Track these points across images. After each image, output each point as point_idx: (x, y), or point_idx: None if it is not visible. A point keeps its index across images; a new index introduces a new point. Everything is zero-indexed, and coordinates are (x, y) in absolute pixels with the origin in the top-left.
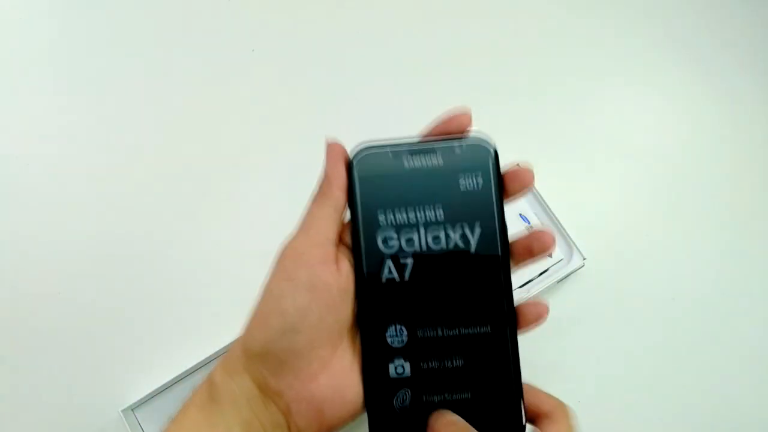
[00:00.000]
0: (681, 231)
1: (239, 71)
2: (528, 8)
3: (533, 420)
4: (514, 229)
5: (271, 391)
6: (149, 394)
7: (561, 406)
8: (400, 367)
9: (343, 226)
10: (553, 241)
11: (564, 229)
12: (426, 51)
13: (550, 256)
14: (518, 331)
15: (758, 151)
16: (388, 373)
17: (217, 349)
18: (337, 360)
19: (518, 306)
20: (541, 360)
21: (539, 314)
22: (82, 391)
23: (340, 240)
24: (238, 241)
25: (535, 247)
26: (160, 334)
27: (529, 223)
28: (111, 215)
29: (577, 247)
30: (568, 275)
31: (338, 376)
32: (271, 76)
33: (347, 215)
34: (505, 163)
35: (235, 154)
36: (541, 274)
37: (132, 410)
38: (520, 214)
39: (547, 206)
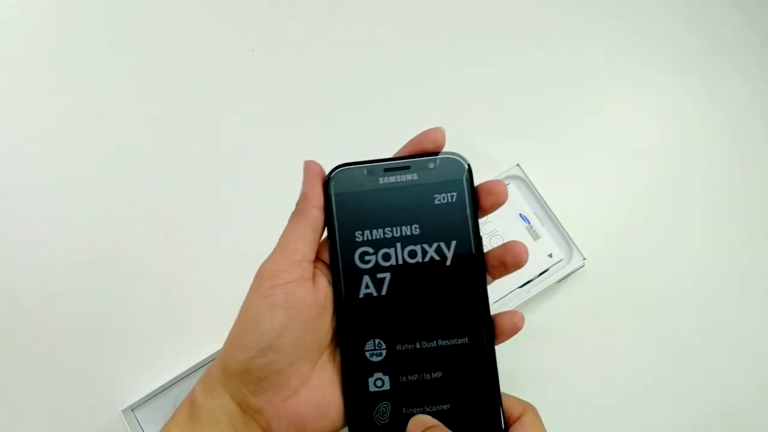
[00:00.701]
0: (681, 231)
1: (239, 71)
2: (526, 10)
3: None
4: (514, 228)
5: (251, 409)
6: (149, 394)
7: (530, 408)
8: (379, 381)
9: (320, 244)
10: (527, 253)
11: (564, 229)
12: (426, 51)
13: (553, 264)
14: (495, 342)
15: (758, 151)
16: (368, 387)
17: (216, 349)
18: (317, 376)
19: (494, 316)
20: (541, 360)
21: (515, 324)
22: (82, 391)
23: (318, 257)
24: (239, 242)
25: (508, 259)
26: (159, 334)
27: (529, 223)
28: (111, 215)
29: (577, 247)
30: (568, 275)
31: (318, 392)
32: (271, 76)
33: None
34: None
35: (234, 154)
36: (541, 274)
37: (132, 410)
38: (520, 214)
39: (547, 206)
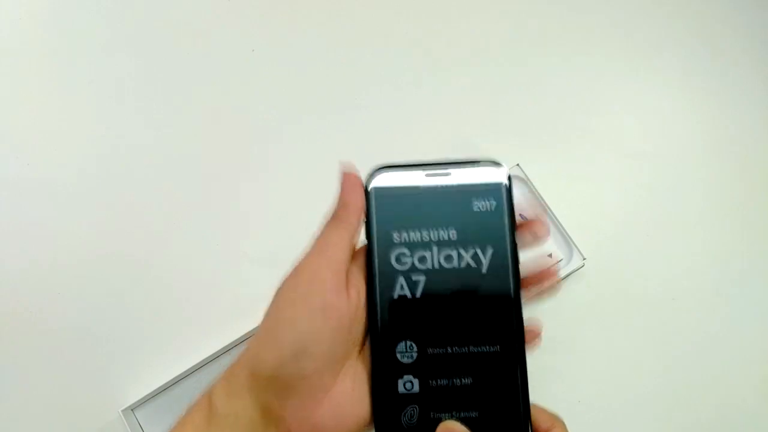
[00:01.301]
0: (681, 231)
1: (239, 71)
2: (527, 7)
3: None
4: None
5: (274, 416)
6: (149, 394)
7: (558, 422)
8: (408, 383)
9: (354, 250)
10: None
11: (564, 229)
12: (427, 51)
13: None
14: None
15: (758, 151)
16: (397, 388)
17: (216, 349)
18: (339, 387)
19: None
20: (541, 360)
21: (533, 337)
22: (82, 391)
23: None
24: (239, 243)
25: (545, 278)
26: (159, 334)
27: None
28: (112, 216)
29: (577, 247)
30: (568, 275)
31: (339, 402)
32: (271, 76)
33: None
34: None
35: (235, 154)
36: None
37: (132, 410)
38: (520, 214)
39: (547, 206)
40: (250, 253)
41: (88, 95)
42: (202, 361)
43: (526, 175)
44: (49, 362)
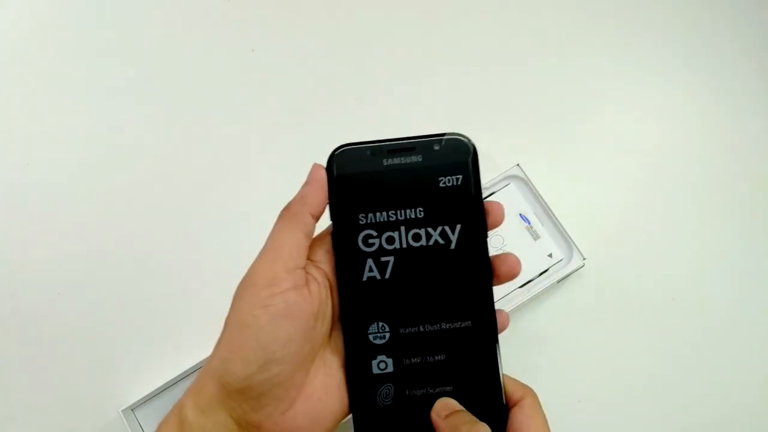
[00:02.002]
0: (681, 230)
1: (239, 71)
2: (526, 10)
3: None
4: (514, 228)
5: (251, 425)
6: (149, 394)
7: (530, 392)
8: (382, 363)
9: (310, 244)
10: (520, 266)
11: (564, 229)
12: (426, 51)
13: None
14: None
15: (759, 151)
16: (371, 369)
17: None
18: (310, 385)
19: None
20: (541, 359)
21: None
22: (82, 391)
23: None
24: (238, 241)
25: (502, 270)
26: (159, 334)
27: (529, 223)
28: (112, 216)
29: (577, 247)
30: (568, 275)
31: (313, 401)
32: (271, 76)
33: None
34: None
35: (235, 153)
36: (541, 274)
37: (132, 410)
38: (520, 214)
39: (547, 206)
40: (252, 252)
41: (88, 95)
42: (203, 360)
43: (526, 175)
44: (49, 362)
